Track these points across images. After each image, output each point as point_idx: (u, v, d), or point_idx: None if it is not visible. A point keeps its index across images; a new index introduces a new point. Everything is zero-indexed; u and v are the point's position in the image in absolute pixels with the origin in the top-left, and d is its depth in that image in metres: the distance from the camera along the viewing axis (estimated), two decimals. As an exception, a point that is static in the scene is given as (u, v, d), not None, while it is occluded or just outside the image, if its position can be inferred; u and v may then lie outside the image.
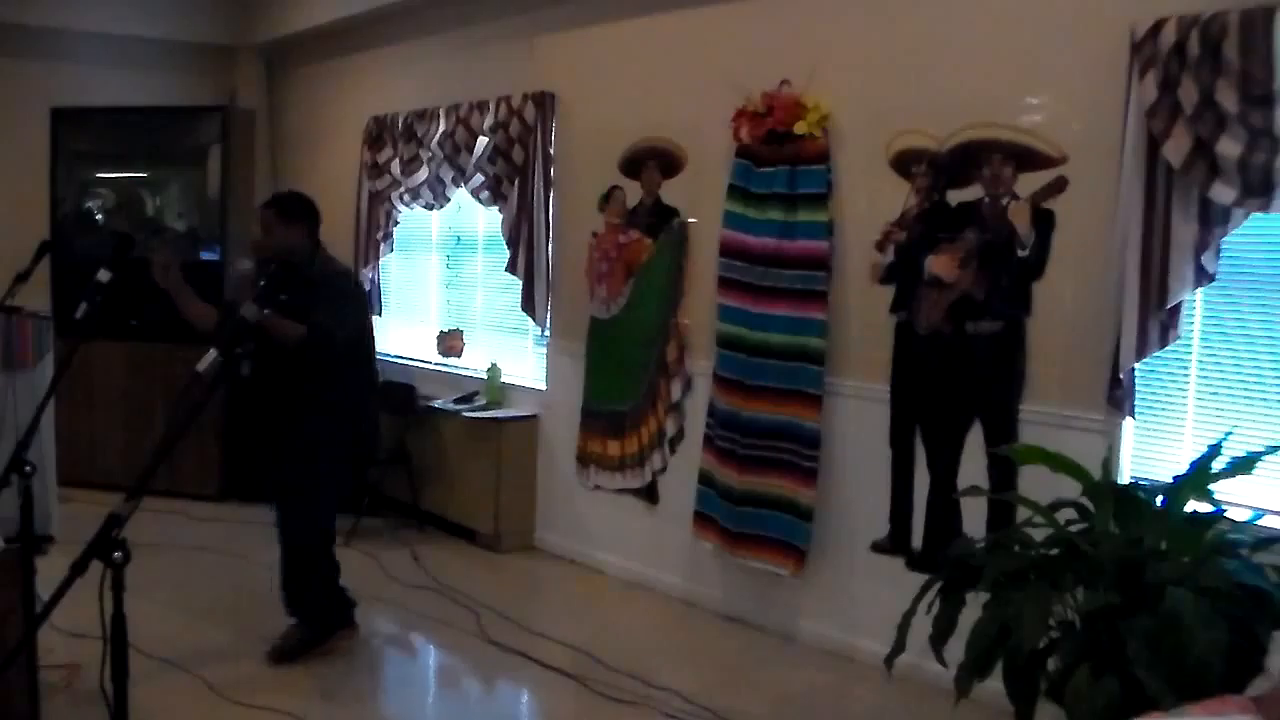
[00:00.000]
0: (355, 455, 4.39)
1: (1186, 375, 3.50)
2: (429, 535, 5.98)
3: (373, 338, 4.32)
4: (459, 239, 6.47)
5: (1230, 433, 3.15)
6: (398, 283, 6.89)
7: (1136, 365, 3.44)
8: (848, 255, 4.27)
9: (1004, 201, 3.78)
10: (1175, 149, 3.22)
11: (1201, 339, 3.46)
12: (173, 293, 3.95)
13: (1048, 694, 2.92)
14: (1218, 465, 3.00)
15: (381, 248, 6.61)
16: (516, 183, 5.58)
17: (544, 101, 5.48)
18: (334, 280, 4.12)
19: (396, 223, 6.57)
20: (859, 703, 4.01)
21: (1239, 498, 3.15)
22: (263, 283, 2.90)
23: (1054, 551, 3.05)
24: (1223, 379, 3.43)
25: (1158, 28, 3.26)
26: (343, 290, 4.14)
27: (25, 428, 3.13)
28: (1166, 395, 3.54)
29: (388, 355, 6.83)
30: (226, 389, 6.24)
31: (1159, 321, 3.35)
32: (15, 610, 3.15)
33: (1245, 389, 3.37)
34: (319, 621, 4.23)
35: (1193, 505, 3.01)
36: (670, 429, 5.03)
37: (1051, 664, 2.89)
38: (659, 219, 5.03)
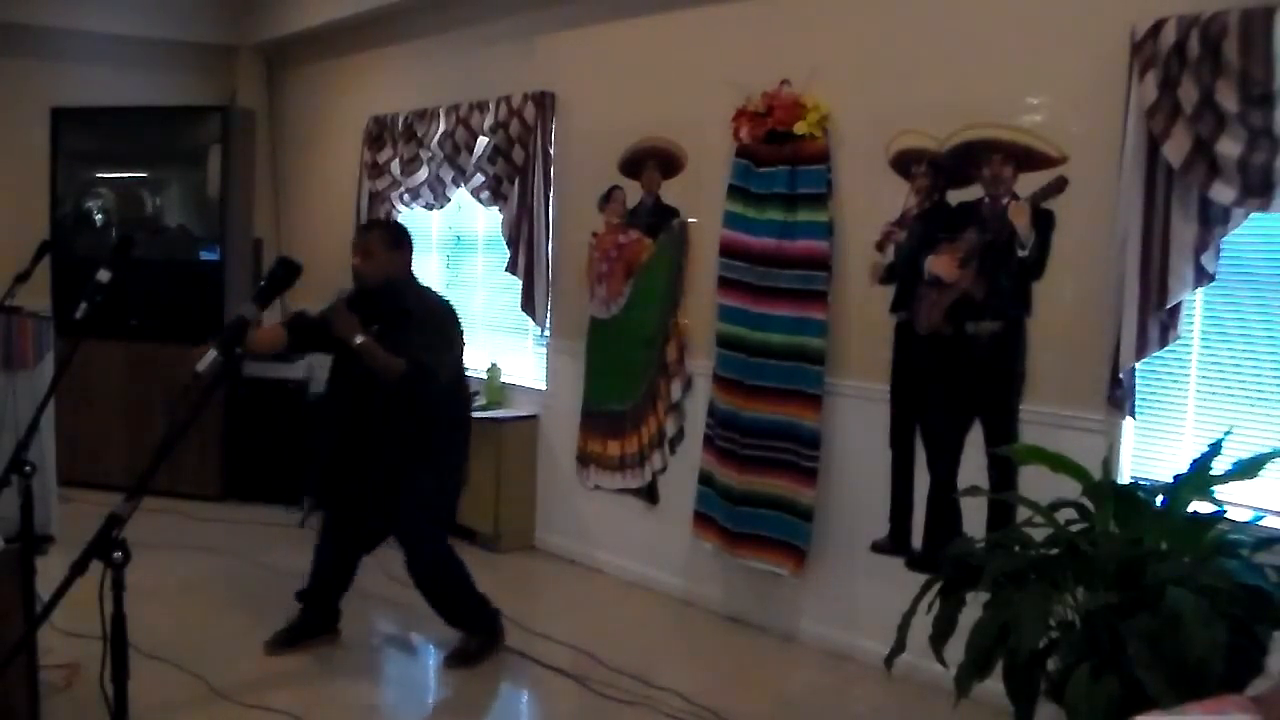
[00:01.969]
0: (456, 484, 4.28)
1: (1186, 375, 3.50)
2: (429, 535, 5.97)
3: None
4: (459, 239, 6.48)
5: (1230, 432, 3.15)
6: (398, 283, 6.87)
7: (1136, 365, 3.44)
8: (848, 255, 4.27)
9: (1004, 201, 3.78)
10: (1175, 149, 3.22)
11: (1201, 339, 3.46)
12: (362, 351, 3.78)
13: (1048, 694, 2.92)
14: (1220, 468, 3.00)
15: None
16: (516, 183, 5.58)
17: (544, 101, 5.48)
18: (436, 313, 4.00)
19: (397, 223, 6.57)
20: (859, 703, 4.01)
21: (1240, 498, 3.14)
22: (262, 282, 2.88)
23: (1054, 551, 3.05)
24: (1223, 379, 3.43)
25: (1158, 28, 3.26)
26: (445, 324, 4.00)
27: (25, 428, 3.13)
28: (1166, 395, 3.54)
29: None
30: (226, 389, 6.25)
31: (1159, 321, 3.35)
32: (15, 610, 3.15)
33: (1245, 389, 3.37)
34: (482, 624, 4.26)
35: (1193, 505, 3.01)
36: (670, 429, 5.03)
37: (1051, 664, 2.89)
38: (659, 219, 5.03)
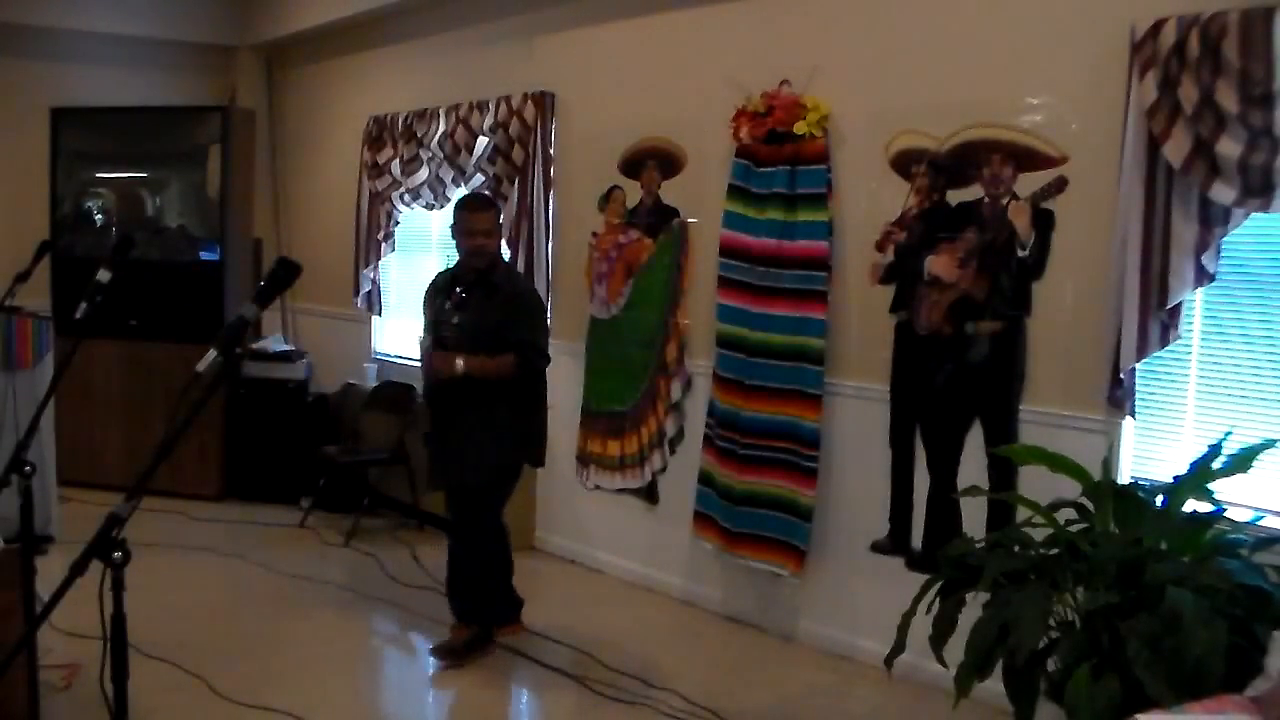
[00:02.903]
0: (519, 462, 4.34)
1: (1186, 375, 3.49)
2: (429, 535, 5.97)
3: None
4: (459, 239, 6.47)
5: (1230, 433, 3.15)
6: (398, 283, 6.88)
7: (1136, 365, 3.43)
8: (848, 255, 4.27)
9: (1004, 201, 3.78)
10: (1175, 149, 3.22)
11: (1201, 339, 3.46)
12: (474, 374, 3.97)
13: (1048, 694, 2.92)
14: (1216, 464, 3.01)
15: (382, 248, 6.61)
16: (516, 183, 5.58)
17: (544, 101, 5.48)
18: (530, 295, 4.22)
19: (397, 223, 6.57)
20: (859, 703, 4.01)
21: (1239, 498, 3.15)
22: (262, 282, 2.88)
23: (1054, 551, 3.05)
24: (1223, 379, 3.42)
25: (1158, 28, 3.26)
26: (538, 303, 4.25)
27: (25, 428, 3.12)
28: (1166, 395, 3.53)
29: (388, 355, 6.85)
30: (226, 389, 6.25)
31: (1159, 321, 3.35)
32: (15, 610, 3.15)
33: (1245, 389, 3.37)
34: (493, 617, 4.33)
35: (1193, 505, 3.01)
36: (670, 429, 5.03)
37: (1051, 664, 2.89)
38: (659, 219, 5.03)
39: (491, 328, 4.00)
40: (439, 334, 4.12)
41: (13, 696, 3.13)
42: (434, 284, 4.34)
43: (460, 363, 3.95)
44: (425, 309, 4.31)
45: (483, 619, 4.30)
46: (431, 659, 4.24)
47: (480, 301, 4.06)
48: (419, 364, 4.30)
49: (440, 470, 4.25)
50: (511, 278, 4.22)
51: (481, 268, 4.08)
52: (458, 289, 4.13)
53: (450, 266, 4.36)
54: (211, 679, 3.89)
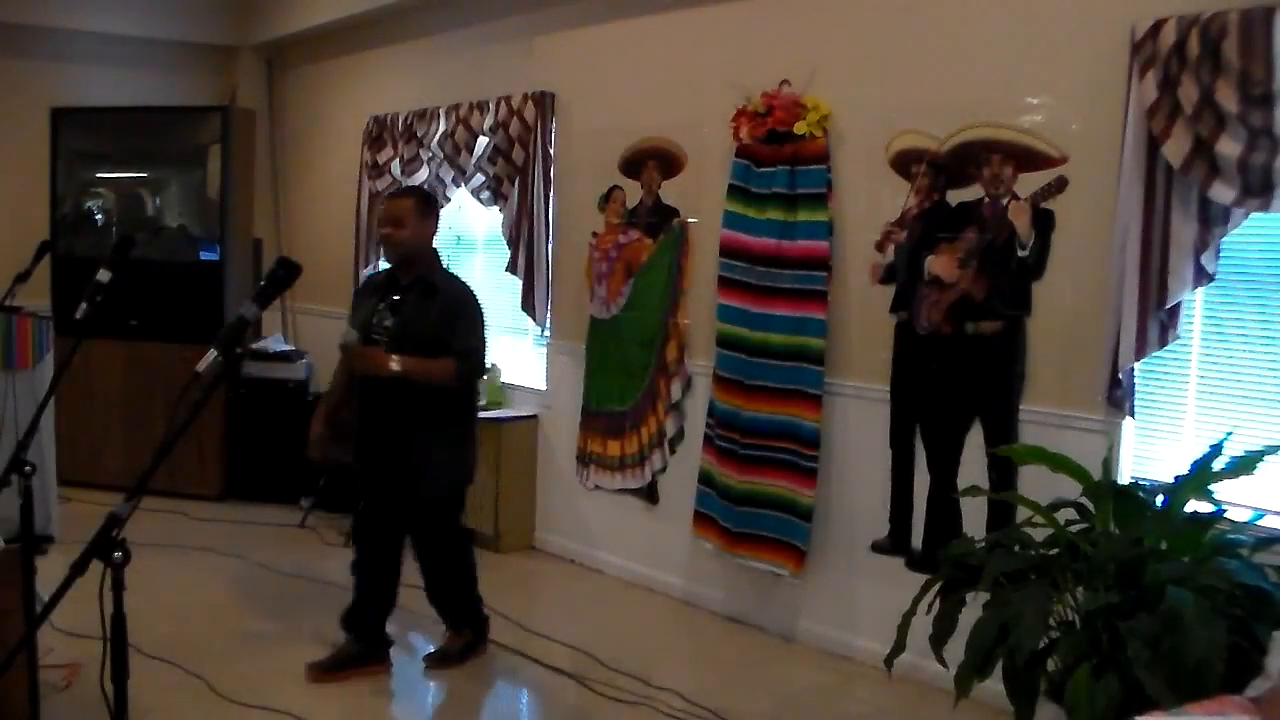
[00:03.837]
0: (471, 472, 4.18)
1: (1186, 375, 3.49)
2: (429, 535, 5.98)
3: None
4: (459, 239, 6.47)
5: (1230, 433, 3.15)
6: (398, 283, 6.88)
7: (1136, 365, 3.44)
8: (848, 255, 4.27)
9: (1004, 201, 3.78)
10: (1175, 149, 3.22)
11: (1201, 339, 3.46)
12: (406, 375, 3.69)
13: (1048, 694, 2.92)
14: (1218, 465, 3.01)
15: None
16: (516, 183, 5.58)
17: (544, 101, 5.48)
18: (466, 296, 3.90)
19: (397, 223, 6.56)
20: (859, 703, 4.00)
21: (1239, 498, 3.15)
22: (262, 282, 2.87)
23: (1054, 551, 3.05)
24: (1222, 379, 3.42)
25: (1158, 28, 3.26)
26: (477, 309, 3.92)
27: (25, 428, 3.12)
28: (1166, 395, 3.54)
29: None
30: (226, 389, 6.25)
31: (1159, 321, 3.35)
32: (15, 610, 3.15)
33: (1245, 389, 3.37)
34: (473, 622, 4.25)
35: (1193, 505, 3.01)
36: (670, 429, 5.03)
37: (1051, 664, 2.89)
38: (659, 219, 5.03)
39: (425, 333, 3.74)
40: (369, 336, 3.83)
41: (13, 696, 3.13)
42: (369, 282, 4.15)
43: (395, 363, 3.67)
44: (354, 307, 4.08)
45: (473, 621, 4.26)
46: (426, 666, 4.18)
47: (416, 304, 3.80)
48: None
49: (380, 486, 3.98)
50: (451, 281, 3.95)
51: (397, 260, 3.86)
52: (393, 293, 3.86)
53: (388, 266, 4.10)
54: (211, 679, 3.89)
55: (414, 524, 4.07)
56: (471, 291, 3.95)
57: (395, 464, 3.90)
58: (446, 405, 3.88)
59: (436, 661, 4.18)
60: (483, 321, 3.94)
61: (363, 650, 4.08)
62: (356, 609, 4.10)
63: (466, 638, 4.23)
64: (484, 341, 3.92)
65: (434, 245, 3.98)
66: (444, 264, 4.06)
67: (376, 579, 4.09)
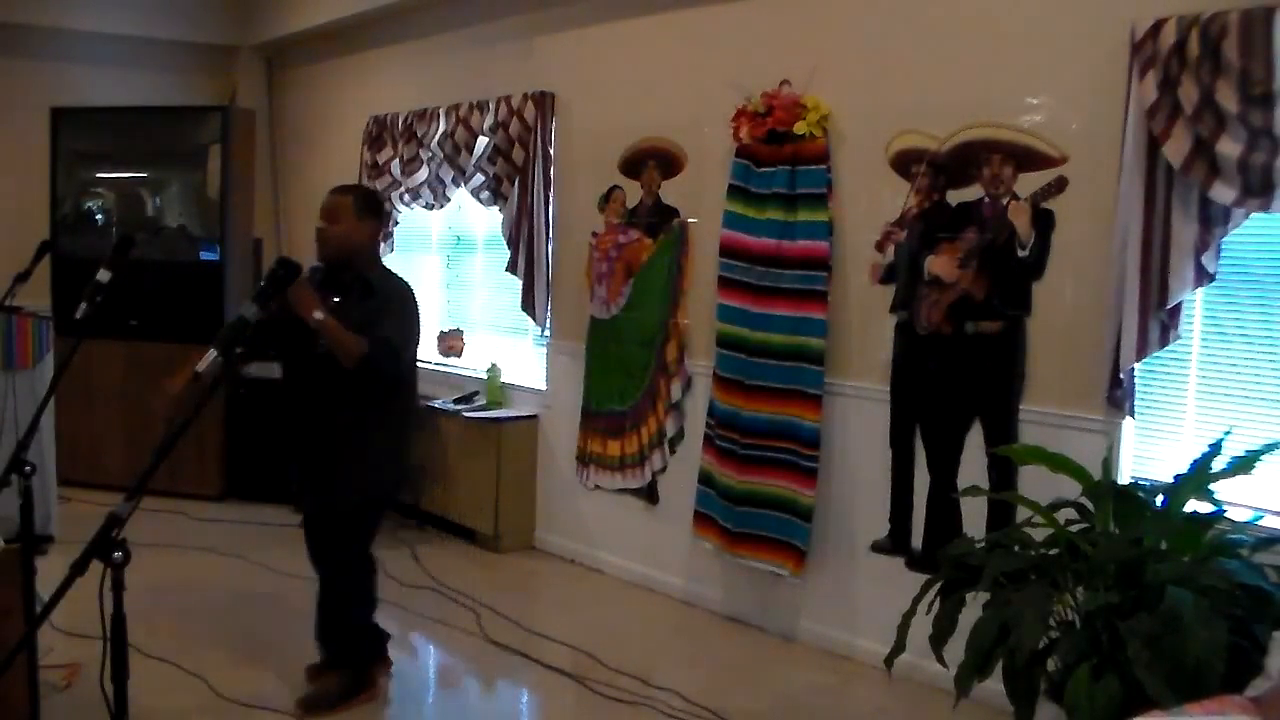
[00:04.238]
0: (394, 490, 3.98)
1: (1186, 375, 3.49)
2: (429, 535, 5.98)
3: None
4: (459, 239, 6.48)
5: (1230, 433, 3.15)
6: (398, 283, 6.88)
7: (1136, 365, 3.44)
8: (848, 255, 4.27)
9: (1004, 201, 3.78)
10: (1175, 149, 3.22)
11: (1201, 339, 3.46)
12: (322, 329, 3.42)
13: (1048, 694, 2.92)
14: (1218, 465, 3.01)
15: (382, 248, 6.60)
16: (516, 183, 5.58)
17: (544, 101, 5.48)
18: (400, 292, 3.70)
19: (397, 223, 6.57)
20: (859, 703, 4.01)
21: (1239, 498, 3.15)
22: (262, 282, 2.87)
23: (1054, 551, 3.05)
24: (1222, 379, 3.42)
25: (1158, 28, 3.26)
26: (408, 305, 3.71)
27: (25, 428, 3.12)
28: (1166, 395, 3.53)
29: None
30: (227, 389, 6.25)
31: (1159, 321, 3.35)
32: (15, 610, 3.15)
33: (1245, 389, 3.37)
34: (354, 660, 3.86)
35: (1193, 505, 3.01)
36: (670, 429, 5.03)
37: (1051, 664, 2.89)
38: (659, 219, 5.03)
39: (356, 328, 3.48)
40: (310, 339, 3.53)
41: (13, 696, 3.13)
42: (309, 279, 3.79)
43: (319, 313, 3.39)
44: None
45: (355, 661, 3.85)
46: (295, 710, 3.72)
47: (356, 305, 3.57)
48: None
49: (307, 493, 3.81)
50: (388, 279, 3.74)
51: (331, 257, 3.66)
52: (332, 294, 3.60)
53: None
54: (211, 679, 3.89)
55: (320, 537, 3.82)
56: (409, 290, 3.76)
57: (318, 463, 3.70)
58: (369, 408, 3.64)
59: (307, 706, 3.72)
60: (413, 321, 3.73)
61: (347, 683, 3.82)
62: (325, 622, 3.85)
63: (343, 679, 3.80)
64: (407, 340, 3.67)
65: (373, 246, 3.81)
66: (383, 264, 3.87)
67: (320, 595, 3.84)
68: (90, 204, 7.07)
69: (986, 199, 3.83)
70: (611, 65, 5.28)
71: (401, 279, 3.80)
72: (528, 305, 5.61)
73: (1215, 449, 3.04)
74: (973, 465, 3.91)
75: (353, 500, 3.70)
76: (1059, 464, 3.16)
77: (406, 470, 3.99)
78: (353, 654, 3.85)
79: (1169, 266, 3.29)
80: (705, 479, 4.71)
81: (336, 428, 3.64)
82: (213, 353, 2.65)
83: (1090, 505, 3.14)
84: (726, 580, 4.77)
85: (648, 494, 5.16)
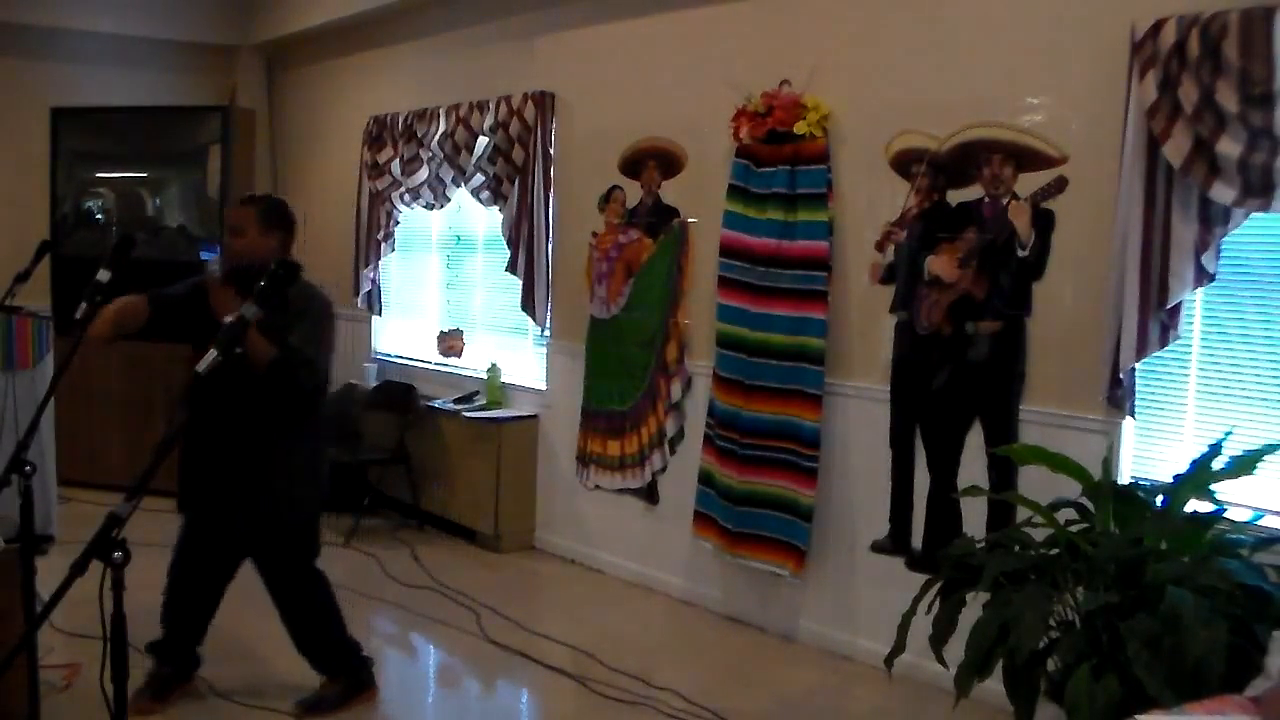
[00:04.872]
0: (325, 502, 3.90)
1: (1186, 375, 3.49)
2: (429, 535, 5.98)
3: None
4: (459, 239, 6.48)
5: (1230, 433, 3.15)
6: (398, 283, 6.89)
7: (1136, 365, 3.44)
8: (848, 255, 4.27)
9: (1004, 201, 3.78)
10: (1175, 149, 3.22)
11: (1201, 339, 3.46)
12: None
13: (1048, 694, 2.92)
14: (1218, 465, 3.01)
15: (382, 248, 6.61)
16: (516, 183, 5.58)
17: (544, 101, 5.48)
18: (316, 302, 3.55)
19: (397, 223, 6.57)
20: (859, 703, 4.01)
21: (1239, 498, 3.15)
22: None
23: (1054, 551, 3.05)
24: (1222, 379, 3.42)
25: (1158, 28, 3.26)
26: (325, 316, 3.60)
27: (25, 428, 3.12)
28: (1166, 395, 3.53)
29: (388, 355, 6.85)
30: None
31: (1159, 321, 3.35)
32: (15, 610, 3.15)
33: (1245, 389, 3.37)
34: (346, 667, 3.84)
35: (1193, 505, 3.01)
36: (670, 429, 5.03)
37: (1051, 664, 2.89)
38: (659, 219, 5.03)
39: (276, 336, 3.34)
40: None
41: (13, 696, 3.13)
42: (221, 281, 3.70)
43: (230, 318, 3.12)
44: (191, 301, 3.69)
45: (347, 668, 3.83)
46: (294, 713, 3.74)
47: (268, 321, 3.27)
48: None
49: (217, 505, 3.65)
50: (301, 290, 3.40)
51: (239, 270, 3.49)
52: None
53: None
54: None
55: (263, 561, 3.73)
56: (324, 301, 3.64)
57: (243, 481, 3.55)
58: (293, 423, 3.57)
59: (307, 708, 3.73)
60: (325, 332, 3.61)
61: (344, 686, 3.81)
62: (172, 627, 3.80)
63: (341, 684, 3.80)
64: (320, 352, 3.55)
65: (282, 255, 3.53)
66: (298, 275, 3.76)
67: (199, 594, 3.82)
68: (90, 204, 7.07)
69: (986, 199, 3.83)
70: (611, 65, 5.28)
71: (319, 291, 3.67)
72: (528, 305, 5.61)
73: (1215, 449, 3.04)
74: (973, 465, 3.91)
75: (303, 515, 3.66)
76: (1059, 464, 3.16)
77: (325, 490, 3.87)
78: (341, 663, 3.82)
79: (1169, 266, 3.29)
80: (705, 479, 4.71)
81: (264, 443, 3.53)
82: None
83: (1090, 505, 3.14)
84: (726, 580, 4.77)
85: (648, 494, 5.16)
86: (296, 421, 3.58)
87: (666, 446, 5.05)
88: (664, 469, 5.08)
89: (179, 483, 3.71)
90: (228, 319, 3.18)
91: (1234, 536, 2.99)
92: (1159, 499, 3.08)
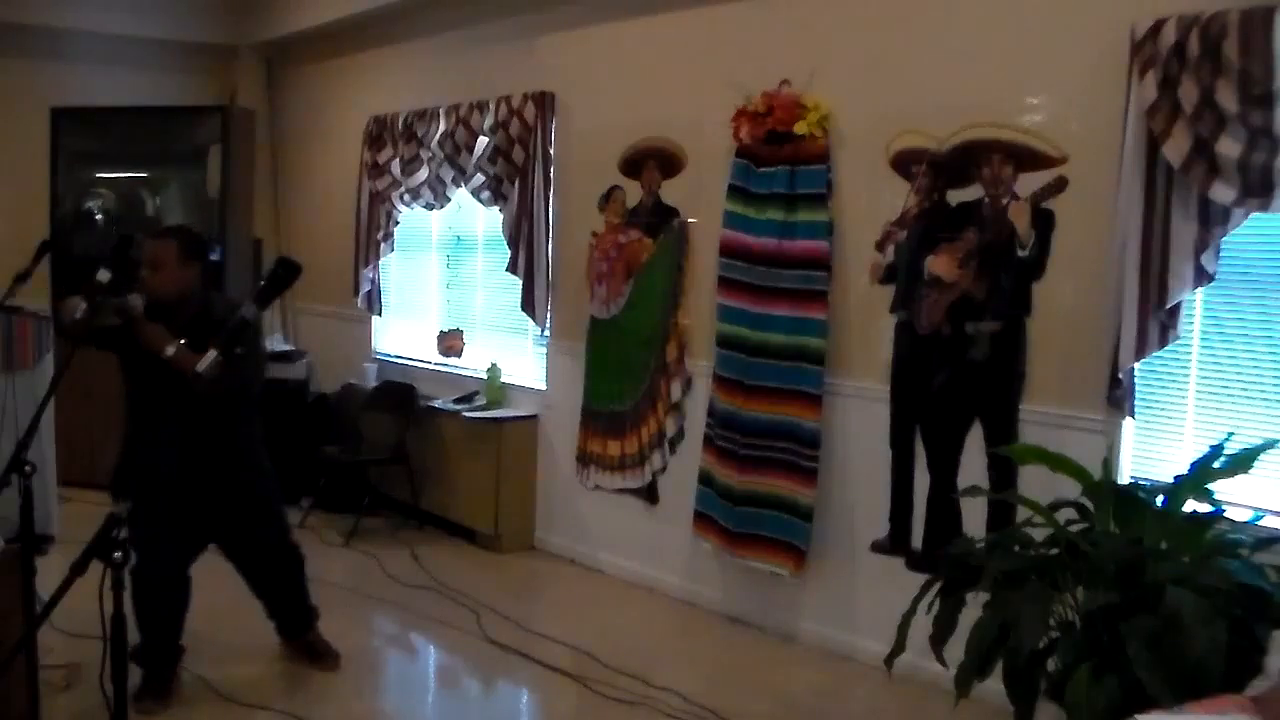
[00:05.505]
0: None
1: (1186, 375, 3.49)
2: (429, 535, 5.98)
3: None
4: (459, 239, 6.47)
5: (1231, 434, 3.15)
6: (398, 283, 6.89)
7: (1136, 365, 3.44)
8: (848, 255, 4.27)
9: (1004, 201, 3.78)
10: (1175, 149, 3.22)
11: (1201, 339, 3.46)
12: (175, 363, 3.42)
13: (1048, 694, 2.92)
14: (1217, 464, 3.01)
15: (382, 248, 6.61)
16: (517, 183, 5.58)
17: (544, 101, 5.48)
18: (241, 316, 3.44)
19: (397, 223, 6.57)
20: (859, 703, 4.01)
21: (1239, 498, 3.15)
22: (262, 282, 2.87)
23: (1054, 551, 3.05)
24: (1223, 379, 3.42)
25: (1158, 28, 3.26)
26: (256, 335, 3.68)
27: (25, 428, 3.12)
28: (1166, 395, 3.54)
29: (388, 355, 6.85)
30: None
31: (1159, 321, 3.35)
32: (15, 610, 3.15)
33: (1245, 389, 3.37)
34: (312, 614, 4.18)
35: (1193, 505, 3.01)
36: (670, 429, 5.03)
37: (1051, 664, 2.89)
38: (659, 219, 5.03)
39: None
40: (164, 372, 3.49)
41: (13, 696, 3.13)
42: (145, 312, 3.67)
43: (171, 349, 3.42)
44: (120, 333, 3.59)
45: (311, 615, 4.18)
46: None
47: (205, 333, 3.36)
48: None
49: (186, 490, 3.74)
50: (229, 306, 3.59)
51: (160, 302, 3.53)
52: (178, 335, 3.48)
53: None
54: (211, 679, 3.89)
55: (251, 536, 4.01)
56: (257, 322, 3.54)
57: (219, 465, 3.78)
58: (246, 421, 3.87)
59: (334, 655, 4.13)
60: (260, 345, 3.81)
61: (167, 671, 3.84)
62: (154, 645, 3.77)
63: (316, 630, 4.15)
64: (257, 368, 3.74)
65: (200, 284, 3.70)
66: (216, 294, 3.83)
67: (177, 605, 3.86)
68: (90, 204, 7.07)
69: (986, 199, 3.83)
70: (611, 65, 5.28)
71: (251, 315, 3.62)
72: (528, 305, 5.61)
73: (1215, 449, 3.04)
74: (973, 465, 3.91)
75: (276, 486, 4.05)
76: (1059, 464, 3.16)
77: None
78: (310, 612, 4.16)
79: (1168, 266, 3.29)
80: (705, 479, 4.71)
81: (229, 441, 3.78)
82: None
83: (1090, 505, 3.13)
84: (726, 580, 4.77)
85: (648, 494, 5.16)
86: (249, 408, 3.83)
87: (666, 446, 5.05)
88: (664, 469, 5.08)
89: (124, 471, 3.74)
90: (169, 350, 3.37)
91: (1234, 536, 2.99)
92: (1159, 499, 3.08)
